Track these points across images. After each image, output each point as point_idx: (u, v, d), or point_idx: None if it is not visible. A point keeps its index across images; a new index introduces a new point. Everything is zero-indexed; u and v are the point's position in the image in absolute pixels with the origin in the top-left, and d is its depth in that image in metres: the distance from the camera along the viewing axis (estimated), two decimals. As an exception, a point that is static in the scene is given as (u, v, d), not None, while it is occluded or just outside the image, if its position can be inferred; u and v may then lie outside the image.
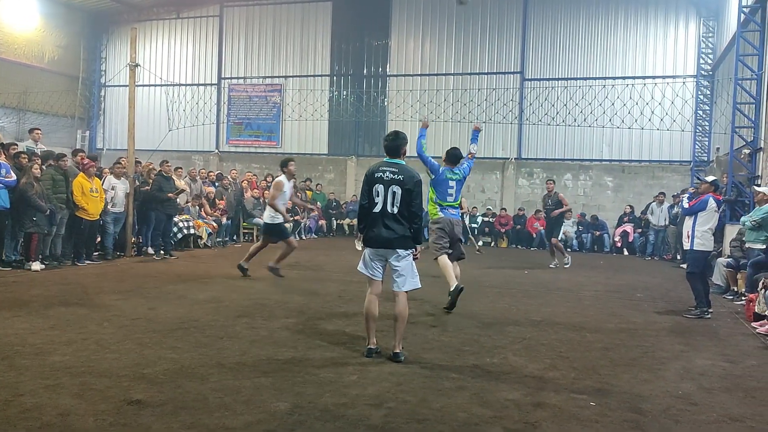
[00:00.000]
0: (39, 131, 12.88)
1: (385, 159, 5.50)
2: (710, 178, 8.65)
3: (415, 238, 5.42)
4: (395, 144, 5.48)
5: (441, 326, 6.87)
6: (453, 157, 8.10)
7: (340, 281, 9.93)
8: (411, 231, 5.35)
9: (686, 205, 8.41)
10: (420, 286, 5.57)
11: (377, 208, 5.32)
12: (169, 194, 12.46)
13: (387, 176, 5.32)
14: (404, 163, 5.49)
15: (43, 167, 10.43)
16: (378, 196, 5.33)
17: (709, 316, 7.97)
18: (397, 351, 5.34)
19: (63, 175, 10.54)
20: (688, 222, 8.23)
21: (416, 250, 5.53)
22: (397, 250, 5.34)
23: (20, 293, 7.90)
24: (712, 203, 7.96)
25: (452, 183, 7.94)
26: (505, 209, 19.53)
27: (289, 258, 10.17)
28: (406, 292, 5.45)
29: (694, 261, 8.15)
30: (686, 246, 8.34)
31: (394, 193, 5.28)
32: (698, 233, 7.95)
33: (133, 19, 23.16)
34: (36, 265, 9.93)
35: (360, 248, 13.17)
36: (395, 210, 5.29)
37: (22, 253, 10.23)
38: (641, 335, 6.84)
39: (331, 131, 21.90)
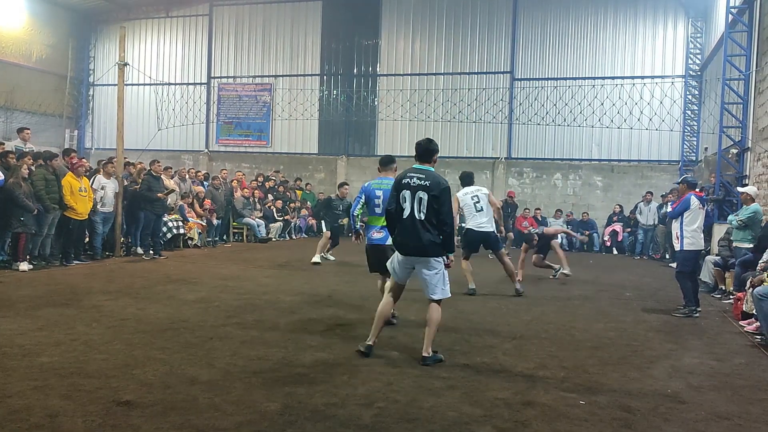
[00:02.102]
0: (28, 131, 12.77)
1: (414, 165, 5.47)
2: (681, 178, 8.75)
3: (445, 245, 5.32)
4: (428, 149, 5.46)
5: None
6: (385, 162, 6.97)
7: (330, 281, 9.89)
8: (441, 237, 5.27)
9: (670, 209, 8.49)
10: (450, 294, 5.49)
11: (405, 214, 5.29)
12: (159, 194, 12.40)
13: (414, 182, 5.28)
14: (433, 170, 5.43)
15: (32, 168, 10.34)
16: (405, 201, 5.29)
17: (697, 314, 8.01)
18: (426, 355, 5.26)
19: (54, 174, 10.45)
20: (675, 223, 8.27)
21: (448, 258, 5.42)
22: (427, 258, 5.28)
23: (7, 294, 7.83)
24: (694, 200, 7.99)
25: (379, 193, 6.65)
26: (495, 209, 19.53)
27: (279, 258, 10.14)
28: (438, 300, 5.38)
29: (684, 261, 8.16)
30: (676, 247, 8.35)
31: (420, 199, 5.24)
32: (687, 233, 7.98)
33: (122, 17, 23.02)
34: (24, 266, 9.84)
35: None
36: (422, 216, 5.23)
37: (10, 253, 10.16)
38: (630, 334, 6.87)
39: (322, 131, 21.88)
